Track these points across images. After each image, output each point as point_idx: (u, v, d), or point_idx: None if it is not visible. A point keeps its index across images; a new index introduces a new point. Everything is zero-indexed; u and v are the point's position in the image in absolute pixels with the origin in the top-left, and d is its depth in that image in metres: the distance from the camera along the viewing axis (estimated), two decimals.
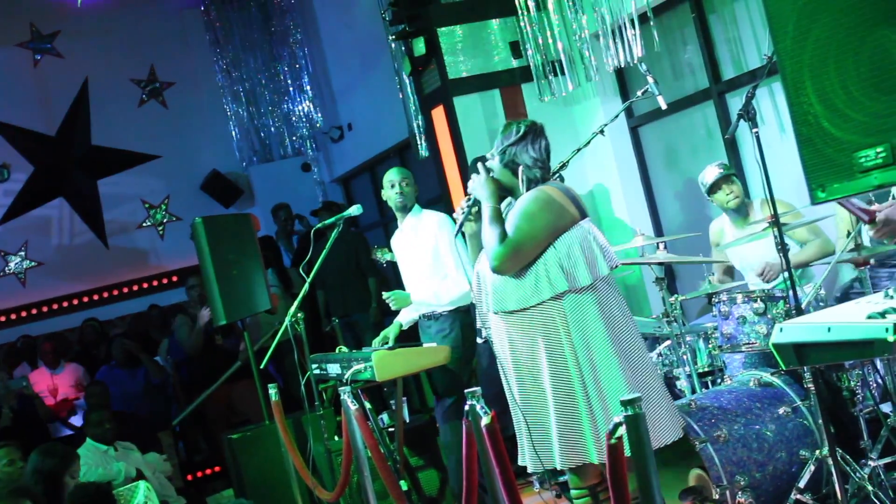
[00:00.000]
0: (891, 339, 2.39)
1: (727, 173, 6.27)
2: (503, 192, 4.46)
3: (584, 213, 4.37)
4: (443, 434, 6.44)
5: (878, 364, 4.98)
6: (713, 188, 6.30)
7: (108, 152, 13.19)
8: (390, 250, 7.03)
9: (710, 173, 6.30)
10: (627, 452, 4.03)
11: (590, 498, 4.45)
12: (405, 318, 6.47)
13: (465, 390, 4.01)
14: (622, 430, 2.90)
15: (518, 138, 4.40)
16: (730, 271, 6.64)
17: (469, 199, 4.48)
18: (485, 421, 3.73)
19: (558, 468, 4.27)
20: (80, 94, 13.13)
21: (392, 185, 6.44)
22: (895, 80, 2.09)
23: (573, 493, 4.53)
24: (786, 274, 4.68)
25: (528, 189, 4.37)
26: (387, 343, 6.25)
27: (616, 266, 4.34)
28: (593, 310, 4.22)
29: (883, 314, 2.48)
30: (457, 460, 6.20)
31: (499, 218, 4.32)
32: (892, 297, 2.75)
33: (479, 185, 4.42)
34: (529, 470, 4.36)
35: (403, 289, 6.53)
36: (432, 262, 6.29)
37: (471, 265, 4.56)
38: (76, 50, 13.08)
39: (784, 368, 2.86)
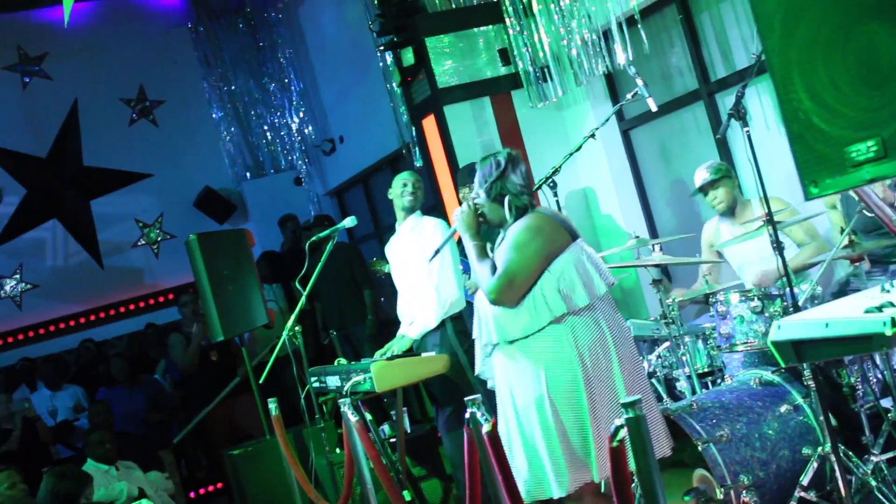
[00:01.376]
0: (889, 332, 2.39)
1: (713, 178, 6.26)
2: (495, 225, 4.56)
3: (576, 235, 4.45)
4: (446, 444, 6.42)
5: (878, 359, 4.98)
6: (701, 191, 6.32)
7: (99, 172, 13.16)
8: (388, 262, 7.04)
9: (698, 177, 6.32)
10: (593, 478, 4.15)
11: None
12: (414, 333, 6.41)
13: (466, 398, 4.00)
14: (624, 433, 2.89)
15: (501, 171, 4.47)
16: (716, 271, 6.64)
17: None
18: (486, 428, 3.72)
19: (563, 495, 4.25)
20: (69, 115, 13.11)
21: (405, 184, 6.46)
22: (883, 75, 2.09)
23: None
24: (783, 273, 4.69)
25: (516, 217, 4.46)
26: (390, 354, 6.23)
27: (612, 284, 4.41)
28: (594, 329, 4.28)
29: (880, 308, 2.48)
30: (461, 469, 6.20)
31: (484, 253, 4.45)
32: (888, 291, 2.76)
33: (460, 222, 4.55)
34: (527, 501, 4.28)
35: (395, 297, 6.53)
36: (427, 265, 6.26)
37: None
38: (64, 71, 13.06)
39: (783, 366, 2.85)
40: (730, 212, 6.32)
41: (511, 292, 4.29)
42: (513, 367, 4.36)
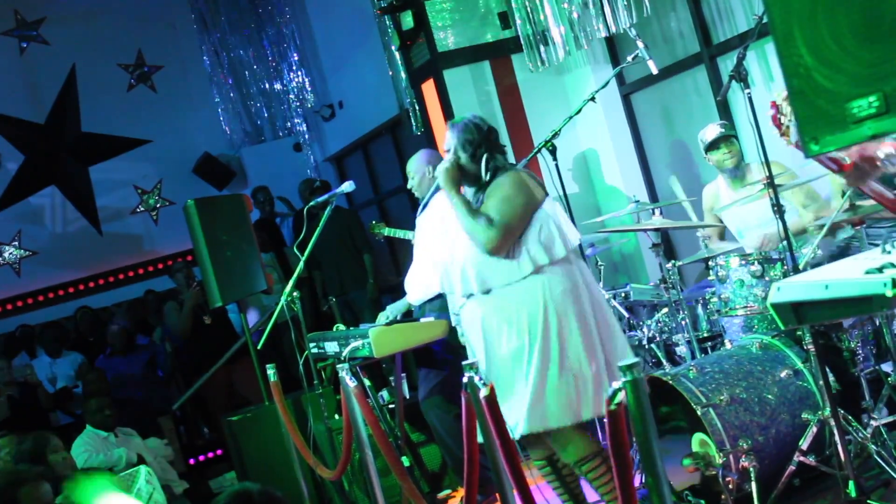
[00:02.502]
0: (889, 293, 2.35)
1: (728, 133, 6.23)
2: (470, 183, 4.70)
3: (546, 192, 4.68)
4: (426, 413, 6.37)
5: (878, 323, 4.95)
6: (712, 146, 6.26)
7: (98, 138, 13.11)
8: (386, 225, 6.99)
9: (711, 131, 6.26)
10: (588, 416, 4.41)
11: (550, 467, 4.84)
12: (414, 298, 6.38)
13: (463, 362, 3.98)
14: (622, 397, 2.86)
15: (486, 132, 4.67)
16: (722, 235, 6.61)
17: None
18: (483, 392, 3.69)
19: (524, 433, 4.48)
20: (67, 80, 13.04)
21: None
22: (886, 28, 2.05)
23: (536, 463, 4.90)
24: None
25: (492, 176, 4.62)
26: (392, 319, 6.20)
27: (579, 239, 4.68)
28: (568, 279, 4.51)
29: (881, 269, 2.44)
30: (447, 435, 6.20)
31: (472, 206, 4.60)
32: (889, 253, 2.72)
33: (445, 177, 4.66)
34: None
35: (402, 266, 6.48)
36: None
37: None
38: (62, 36, 12.99)
39: (783, 328, 2.82)
40: (740, 170, 6.28)
41: (508, 242, 4.48)
42: (490, 315, 4.56)
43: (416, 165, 6.46)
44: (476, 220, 4.51)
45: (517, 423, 4.45)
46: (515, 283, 4.49)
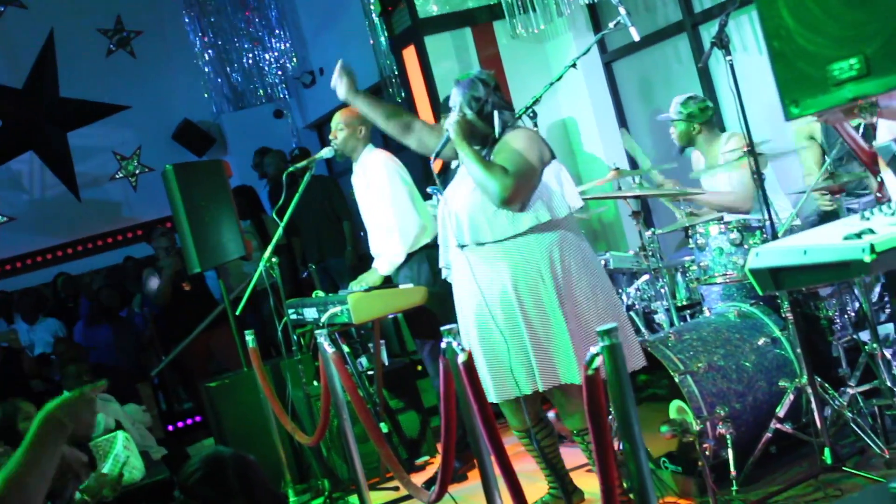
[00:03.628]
0: (867, 259, 2.35)
1: (672, 118, 6.25)
2: (477, 140, 4.60)
3: (554, 154, 4.62)
4: (432, 376, 6.36)
5: (857, 292, 4.97)
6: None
7: (77, 104, 13.00)
8: None
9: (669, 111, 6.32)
10: (570, 379, 4.36)
11: (529, 439, 4.81)
12: (383, 269, 6.34)
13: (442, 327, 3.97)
14: (599, 361, 2.85)
15: (492, 88, 4.60)
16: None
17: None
18: (461, 358, 3.68)
19: (530, 392, 4.47)
20: (46, 45, 12.91)
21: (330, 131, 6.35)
22: None
23: (515, 434, 4.90)
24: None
25: (501, 133, 4.56)
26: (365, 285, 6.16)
27: (582, 204, 4.61)
28: (565, 240, 4.46)
29: (859, 235, 2.44)
30: None
31: (484, 157, 4.50)
32: (868, 219, 2.71)
33: (456, 130, 4.54)
34: (494, 400, 4.46)
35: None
36: (379, 201, 6.19)
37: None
38: (40, 0, 12.84)
39: (761, 293, 2.81)
40: (683, 151, 6.33)
41: (522, 193, 4.39)
42: (482, 269, 4.49)
43: (347, 118, 6.35)
44: (491, 169, 4.38)
45: (518, 383, 4.44)
46: (513, 238, 4.42)
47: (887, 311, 5.10)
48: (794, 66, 2.16)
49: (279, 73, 13.26)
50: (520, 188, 4.36)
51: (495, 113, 4.56)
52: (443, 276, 4.99)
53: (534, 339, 4.40)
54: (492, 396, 4.46)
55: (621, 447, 4.26)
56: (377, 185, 6.17)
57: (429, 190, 6.32)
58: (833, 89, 2.11)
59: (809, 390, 4.58)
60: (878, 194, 4.57)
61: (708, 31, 7.38)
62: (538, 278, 4.39)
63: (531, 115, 6.04)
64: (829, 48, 2.11)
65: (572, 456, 5.25)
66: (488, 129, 4.59)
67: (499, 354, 4.48)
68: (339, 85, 5.01)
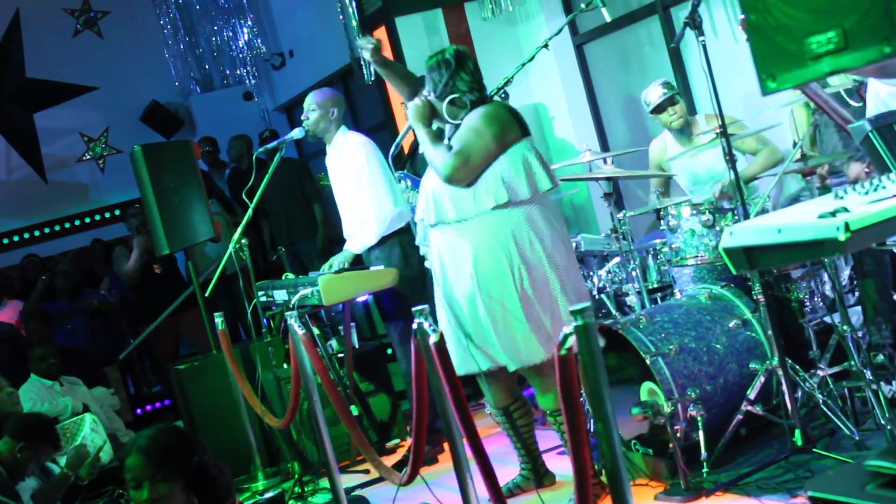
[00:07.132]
0: (842, 237, 2.33)
1: (671, 93, 6.18)
2: (449, 122, 4.64)
3: (527, 131, 4.62)
4: (399, 359, 6.32)
5: (826, 275, 4.98)
6: (657, 109, 6.22)
7: (43, 84, 12.83)
8: None
9: (654, 93, 6.21)
10: (540, 358, 4.42)
11: (504, 417, 4.90)
12: (354, 248, 6.29)
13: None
14: (572, 341, 2.83)
15: (452, 71, 4.60)
16: (667, 187, 6.59)
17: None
18: (433, 339, 3.66)
19: (487, 368, 4.58)
20: (11, 25, 12.72)
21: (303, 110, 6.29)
22: None
23: (492, 411, 4.98)
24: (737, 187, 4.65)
25: (470, 111, 4.58)
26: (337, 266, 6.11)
27: (557, 185, 4.61)
28: (530, 222, 4.47)
29: (834, 213, 2.42)
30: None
31: (437, 137, 4.58)
32: (842, 198, 2.70)
33: (413, 114, 4.65)
34: (460, 373, 4.42)
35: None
36: (355, 182, 6.15)
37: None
38: None
39: (734, 272, 2.79)
40: (687, 129, 6.24)
41: (465, 170, 4.44)
42: (446, 248, 4.59)
43: (320, 99, 6.29)
44: (437, 148, 4.50)
45: (475, 359, 4.53)
46: (474, 217, 4.47)
47: (857, 294, 5.12)
48: (771, 39, 2.14)
49: (249, 54, 13.14)
50: (460, 166, 4.43)
51: (452, 97, 4.57)
52: (421, 254, 5.03)
53: (493, 318, 4.46)
54: (459, 368, 4.50)
55: (593, 427, 4.27)
56: (355, 165, 6.12)
57: (396, 175, 6.31)
58: (810, 63, 2.09)
59: (780, 372, 4.59)
60: (868, 169, 4.61)
61: (679, 14, 7.37)
62: (500, 257, 4.43)
63: (503, 95, 6.02)
64: (807, 21, 2.08)
65: (545, 438, 5.25)
66: (455, 111, 4.60)
67: (461, 329, 4.57)
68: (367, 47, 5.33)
